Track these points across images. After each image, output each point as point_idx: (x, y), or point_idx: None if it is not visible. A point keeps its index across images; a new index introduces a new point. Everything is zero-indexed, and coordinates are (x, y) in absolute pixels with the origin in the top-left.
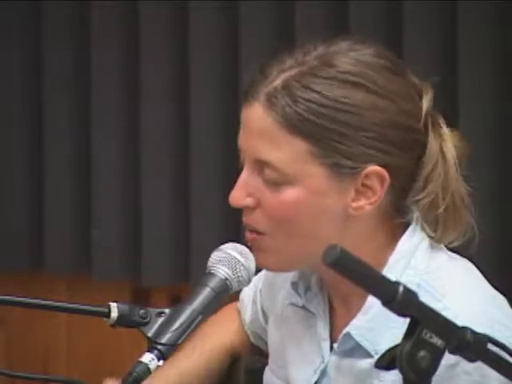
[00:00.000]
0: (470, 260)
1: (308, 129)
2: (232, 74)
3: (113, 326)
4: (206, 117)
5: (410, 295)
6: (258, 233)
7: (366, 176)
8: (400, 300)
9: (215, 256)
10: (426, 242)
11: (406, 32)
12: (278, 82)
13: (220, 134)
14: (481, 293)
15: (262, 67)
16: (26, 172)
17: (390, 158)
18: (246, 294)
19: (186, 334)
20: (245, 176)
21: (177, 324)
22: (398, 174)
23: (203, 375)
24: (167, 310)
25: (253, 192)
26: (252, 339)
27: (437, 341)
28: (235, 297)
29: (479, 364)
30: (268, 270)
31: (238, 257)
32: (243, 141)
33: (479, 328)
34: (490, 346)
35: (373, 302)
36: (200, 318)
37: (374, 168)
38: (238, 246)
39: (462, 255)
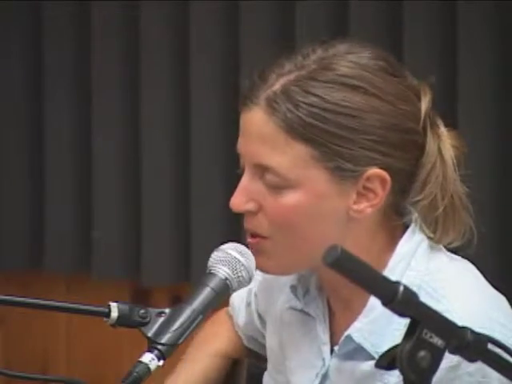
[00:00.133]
0: (470, 260)
1: (309, 133)
2: (232, 74)
3: (113, 325)
4: (206, 117)
5: (411, 295)
6: (260, 237)
7: (368, 179)
8: (400, 300)
9: (215, 256)
10: (426, 243)
11: (406, 32)
12: (277, 87)
13: (220, 133)
14: (481, 293)
15: (260, 71)
16: (26, 172)
17: (390, 160)
18: (237, 297)
19: (186, 334)
20: (245, 181)
21: (177, 324)
22: (398, 175)
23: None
24: (167, 310)
25: (254, 197)
26: (245, 342)
27: (437, 341)
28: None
29: (481, 365)
30: (269, 273)
31: (239, 257)
32: (243, 145)
33: (479, 328)
34: (490, 346)
35: (374, 305)
36: (200, 317)
37: (375, 171)
38: (239, 246)
39: (461, 256)
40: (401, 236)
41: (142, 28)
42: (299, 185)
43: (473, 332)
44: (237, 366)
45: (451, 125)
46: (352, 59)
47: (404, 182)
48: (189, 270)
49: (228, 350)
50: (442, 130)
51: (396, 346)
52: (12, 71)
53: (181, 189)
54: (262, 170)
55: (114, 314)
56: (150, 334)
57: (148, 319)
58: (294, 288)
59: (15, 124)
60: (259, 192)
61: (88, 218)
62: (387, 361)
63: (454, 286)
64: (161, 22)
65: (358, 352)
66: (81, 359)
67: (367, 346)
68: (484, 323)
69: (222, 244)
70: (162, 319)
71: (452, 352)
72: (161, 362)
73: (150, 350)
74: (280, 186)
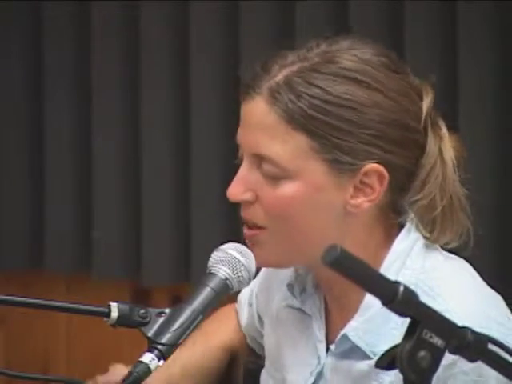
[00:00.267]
0: (468, 260)
1: (310, 124)
2: (232, 74)
3: (113, 325)
4: (207, 117)
5: (411, 295)
6: (257, 227)
7: (366, 173)
8: (400, 300)
9: (215, 256)
10: (421, 242)
11: (406, 32)
12: (280, 78)
13: (220, 133)
14: (477, 292)
15: (263, 62)
16: (26, 172)
17: (389, 156)
18: (244, 295)
19: (187, 333)
20: (243, 170)
21: (177, 324)
22: (397, 172)
23: (204, 372)
24: (167, 310)
25: (251, 186)
26: (249, 341)
27: (437, 341)
28: (235, 297)
29: (476, 364)
30: (264, 265)
31: (239, 257)
32: (242, 135)
33: (476, 327)
34: (490, 346)
35: (370, 304)
36: (200, 317)
37: (373, 165)
38: (239, 246)
39: (459, 256)
40: (396, 234)
41: (142, 28)
42: (297, 176)
43: (473, 332)
44: (234, 361)
45: (451, 125)
46: (355, 54)
47: (403, 180)
48: (189, 270)
49: (231, 344)
50: (444, 130)
51: (396, 346)
52: (12, 71)
53: (181, 189)
54: (260, 159)
55: (114, 314)
56: (150, 334)
57: (148, 319)
58: (290, 286)
59: (15, 124)
60: (257, 182)
61: (88, 218)
62: (387, 361)
63: (449, 285)
64: (161, 22)
65: (353, 351)
66: (81, 359)
67: (362, 345)
68: (481, 322)
69: (222, 244)
70: (162, 319)
71: (452, 352)
72: (161, 362)
73: (150, 350)
74: (278, 177)
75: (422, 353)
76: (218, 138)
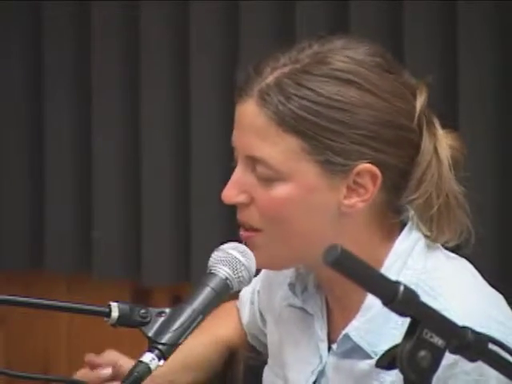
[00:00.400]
0: (469, 260)
1: (300, 126)
2: (232, 74)
3: (113, 325)
4: (206, 117)
5: (411, 295)
6: (253, 230)
7: (358, 173)
8: (401, 300)
9: (216, 256)
10: (422, 241)
11: (406, 32)
12: (270, 79)
13: (220, 133)
14: (478, 291)
15: (255, 64)
16: (26, 172)
17: (382, 156)
18: (245, 293)
19: (187, 333)
20: (238, 173)
21: (177, 324)
22: (391, 172)
23: (205, 366)
24: (168, 310)
25: (246, 189)
26: (249, 339)
27: (437, 340)
28: (236, 295)
29: (478, 364)
30: (261, 267)
31: (239, 256)
32: (236, 137)
33: (477, 327)
34: (491, 346)
35: (371, 303)
36: (200, 317)
37: (365, 166)
38: (239, 245)
39: (459, 255)
40: (398, 234)
41: (142, 28)
42: (290, 177)
43: (473, 332)
44: (233, 357)
45: (451, 125)
46: (348, 54)
47: (398, 180)
48: (189, 270)
49: (231, 340)
50: (439, 130)
51: (396, 346)
52: (12, 71)
53: (181, 189)
54: (253, 162)
55: (115, 313)
56: (150, 334)
57: (148, 319)
58: (292, 286)
59: (15, 124)
60: (251, 184)
61: (88, 218)
62: (387, 360)
63: (451, 285)
64: (161, 22)
65: (355, 351)
66: (81, 359)
67: (364, 344)
68: (481, 321)
69: (222, 244)
70: (162, 319)
71: (452, 352)
72: (161, 362)
73: (150, 350)
74: (271, 179)
75: (423, 353)
76: (218, 138)
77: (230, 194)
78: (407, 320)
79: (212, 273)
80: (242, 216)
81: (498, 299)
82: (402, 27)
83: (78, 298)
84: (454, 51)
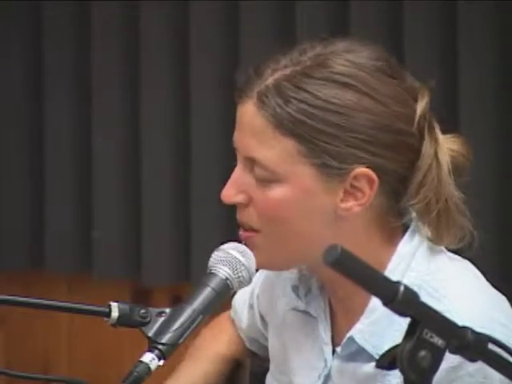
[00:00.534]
0: (471, 261)
1: (297, 129)
2: (232, 74)
3: (113, 325)
4: (207, 117)
5: (411, 295)
6: (252, 230)
7: (355, 177)
8: (401, 300)
9: (216, 256)
10: (425, 244)
11: (406, 32)
12: (270, 81)
13: (220, 133)
14: (482, 293)
15: (256, 66)
16: (26, 172)
17: (379, 161)
18: (239, 300)
19: (187, 333)
20: (237, 173)
21: (177, 324)
22: (389, 177)
23: None
24: (168, 310)
25: (244, 189)
26: (247, 344)
27: (437, 341)
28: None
29: (482, 366)
30: (260, 268)
31: (239, 257)
32: (237, 138)
33: (480, 328)
34: (491, 346)
35: (375, 306)
36: (200, 317)
37: (362, 170)
38: (239, 245)
39: (462, 256)
40: (401, 237)
41: (142, 28)
42: (286, 179)
43: (473, 332)
44: (239, 365)
45: (451, 125)
46: (349, 58)
47: (397, 185)
48: (189, 270)
49: (228, 353)
50: (439, 133)
51: (396, 346)
52: (12, 71)
53: (181, 189)
54: (252, 163)
55: (115, 313)
56: (150, 334)
57: (148, 319)
58: (295, 288)
59: (15, 124)
60: (249, 185)
61: (88, 218)
62: (388, 361)
63: (454, 286)
64: (161, 22)
65: (359, 353)
66: (82, 359)
67: (369, 347)
68: (485, 323)
69: (222, 244)
70: (162, 319)
71: (452, 352)
72: (161, 362)
73: (150, 350)
74: (268, 180)
75: (423, 353)
76: (218, 138)
77: (229, 193)
78: None
79: (212, 273)
80: (241, 216)
81: (502, 301)
82: (402, 27)
83: (78, 298)
84: (454, 51)
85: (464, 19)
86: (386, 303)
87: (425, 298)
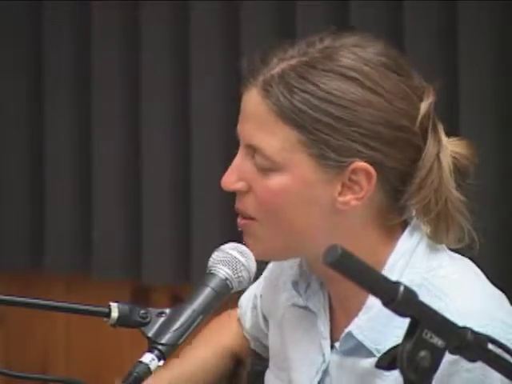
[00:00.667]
0: (471, 259)
1: (299, 119)
2: (232, 74)
3: (113, 326)
4: (207, 117)
5: (411, 295)
6: (249, 218)
7: (353, 171)
8: (400, 300)
9: (216, 256)
10: (425, 241)
11: (406, 32)
12: (276, 70)
13: (220, 133)
14: (482, 291)
15: (263, 55)
16: (26, 172)
17: (379, 156)
18: (245, 299)
19: (187, 334)
20: (238, 160)
21: (177, 324)
22: (390, 173)
23: (209, 377)
24: (168, 310)
25: (244, 176)
26: (252, 345)
27: (437, 341)
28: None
29: (481, 363)
30: (256, 256)
31: (239, 257)
32: (240, 125)
33: (480, 326)
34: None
35: (373, 302)
36: (200, 318)
37: (360, 164)
38: (239, 246)
39: (464, 255)
40: (401, 233)
41: (142, 28)
42: (286, 169)
43: (473, 332)
44: (238, 365)
45: (451, 125)
46: (356, 52)
47: (397, 183)
48: (189, 270)
49: (233, 349)
50: (442, 134)
51: (396, 346)
52: (12, 71)
53: (181, 189)
54: (253, 151)
55: (115, 314)
56: (150, 334)
57: (148, 319)
58: (295, 284)
59: (15, 124)
60: (250, 172)
61: (88, 218)
62: (388, 361)
63: (455, 284)
64: (161, 22)
65: (358, 349)
66: (81, 359)
67: (367, 342)
68: (485, 321)
69: (222, 244)
70: (162, 319)
71: (452, 352)
72: (161, 362)
73: (150, 350)
74: (268, 169)
75: (423, 353)
76: (218, 138)
77: (229, 180)
78: None
79: (212, 273)
80: (240, 204)
81: (502, 298)
82: (402, 27)
83: (77, 298)
84: (454, 51)
85: (464, 19)
86: (385, 303)
87: (425, 295)
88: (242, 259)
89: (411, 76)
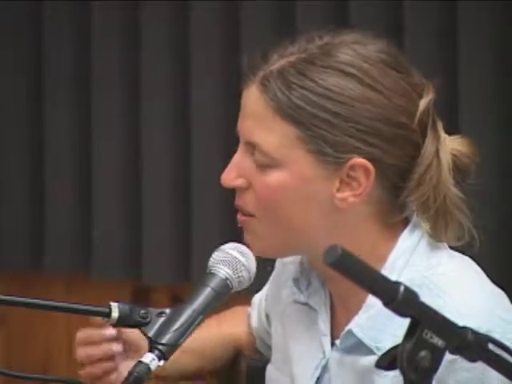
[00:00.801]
0: (473, 258)
1: (297, 115)
2: (232, 74)
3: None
4: (207, 117)
5: (411, 295)
6: (248, 215)
7: (352, 167)
8: (400, 300)
9: (216, 256)
10: (426, 239)
11: (406, 32)
12: (275, 66)
13: (220, 133)
14: (481, 288)
15: (263, 51)
16: (27, 172)
17: (378, 152)
18: (256, 299)
19: (187, 334)
20: (238, 157)
21: (177, 324)
22: (389, 170)
23: (208, 355)
24: (168, 310)
25: (244, 173)
26: (257, 343)
27: (437, 341)
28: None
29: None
30: (255, 253)
31: (239, 257)
32: (239, 122)
33: (480, 323)
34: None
35: (374, 300)
36: (201, 317)
37: (359, 160)
38: (239, 246)
39: (464, 254)
40: (402, 230)
41: (142, 28)
42: (284, 165)
43: (473, 332)
44: (237, 358)
45: (451, 125)
46: (355, 48)
47: (397, 179)
48: (189, 270)
49: (239, 341)
50: (442, 131)
51: (396, 346)
52: (12, 71)
53: (181, 189)
54: (252, 147)
55: (115, 314)
56: (150, 334)
57: (148, 319)
58: (296, 281)
59: (15, 124)
60: (249, 169)
61: (88, 218)
62: (388, 361)
63: (455, 282)
64: (161, 22)
65: (358, 347)
66: None
67: (367, 340)
68: (485, 318)
69: (222, 244)
70: (162, 319)
71: (452, 352)
72: (161, 362)
73: (150, 350)
74: (267, 165)
75: (423, 353)
76: (218, 138)
77: (229, 177)
78: None
79: (212, 273)
80: (239, 200)
81: (501, 296)
82: (402, 27)
83: (77, 298)
84: (454, 51)
85: (464, 19)
86: (386, 303)
87: (425, 293)
88: (243, 259)
89: (411, 73)
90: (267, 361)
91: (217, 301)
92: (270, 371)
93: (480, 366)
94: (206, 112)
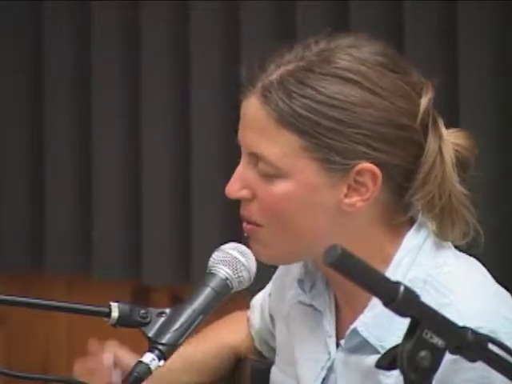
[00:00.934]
0: (476, 257)
1: (300, 124)
2: (232, 75)
3: (113, 326)
4: (207, 117)
5: (411, 295)
6: (255, 224)
7: (359, 172)
8: (400, 300)
9: (216, 256)
10: (432, 238)
11: (406, 32)
12: (274, 76)
13: (221, 133)
14: (486, 288)
15: (261, 61)
16: (27, 172)
17: (383, 156)
18: (257, 300)
19: (187, 334)
20: (241, 168)
21: (177, 324)
22: (393, 172)
23: (207, 368)
24: (168, 310)
25: (248, 184)
26: (257, 344)
27: (437, 341)
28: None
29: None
30: (263, 261)
31: (239, 257)
32: (240, 133)
33: (484, 323)
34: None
35: (378, 300)
36: (201, 317)
37: (365, 165)
38: (239, 246)
39: (468, 254)
40: (407, 230)
41: (142, 28)
42: (289, 174)
43: (473, 332)
44: (240, 363)
45: (451, 125)
46: (351, 53)
47: (401, 180)
48: (189, 270)
49: (238, 346)
50: (444, 130)
51: (396, 346)
52: (12, 71)
53: (181, 189)
54: (255, 158)
55: (115, 314)
56: (150, 334)
57: (149, 319)
58: (300, 282)
59: (15, 124)
60: (253, 180)
61: (88, 218)
62: (388, 361)
63: (460, 281)
64: (161, 22)
65: (363, 346)
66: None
67: (372, 339)
68: (489, 318)
69: (222, 244)
70: (162, 319)
71: (452, 352)
72: (161, 362)
73: (150, 350)
74: (271, 175)
75: (423, 353)
76: (219, 138)
77: (233, 188)
78: None
79: (212, 273)
80: (245, 211)
81: (506, 296)
82: (402, 27)
83: (78, 298)
84: (454, 51)
85: (464, 19)
86: (386, 303)
87: (430, 292)
88: (243, 259)
89: (409, 73)
90: (271, 363)
91: (217, 301)
92: (275, 373)
93: (481, 367)
94: (206, 112)
